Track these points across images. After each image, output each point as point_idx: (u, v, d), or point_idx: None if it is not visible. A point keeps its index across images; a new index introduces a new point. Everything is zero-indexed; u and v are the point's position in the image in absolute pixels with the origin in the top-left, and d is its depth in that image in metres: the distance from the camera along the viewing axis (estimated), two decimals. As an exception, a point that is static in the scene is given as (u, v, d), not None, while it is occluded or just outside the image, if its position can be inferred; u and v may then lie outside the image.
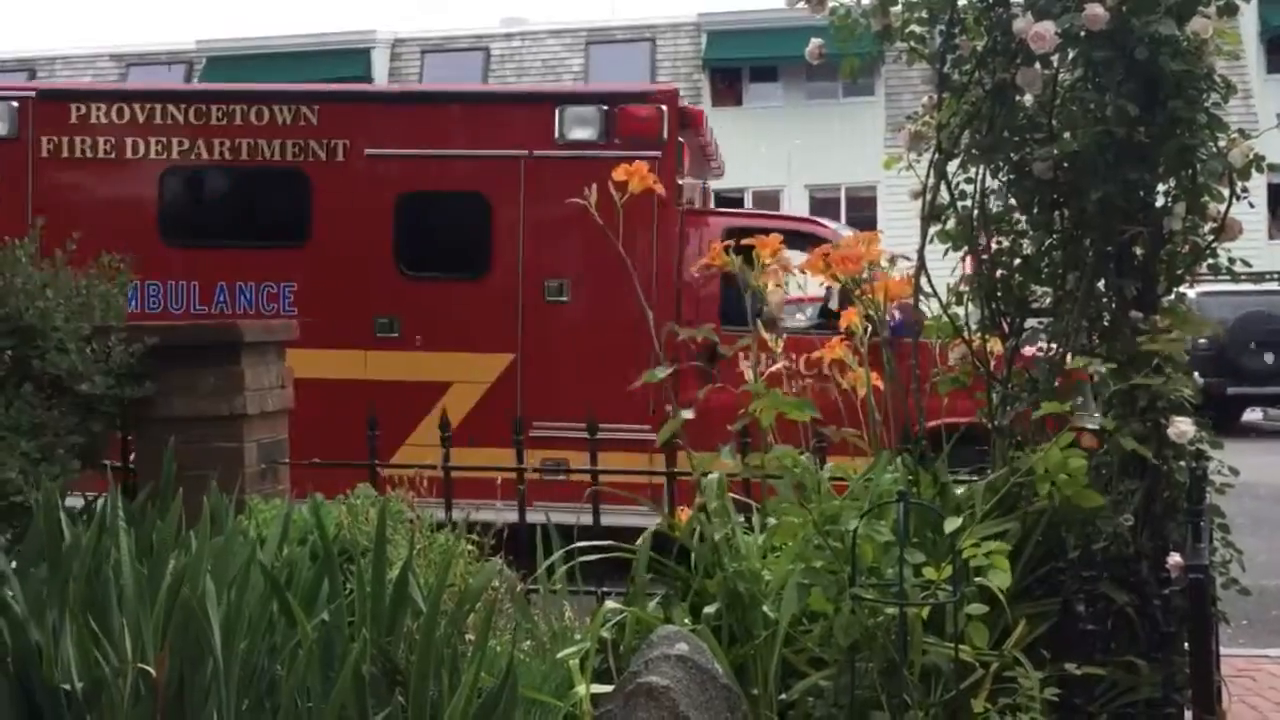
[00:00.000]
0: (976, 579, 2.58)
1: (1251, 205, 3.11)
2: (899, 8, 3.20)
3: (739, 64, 25.15)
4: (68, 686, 2.51)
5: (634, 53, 25.84)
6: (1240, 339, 14.36)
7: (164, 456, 3.31)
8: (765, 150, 23.64)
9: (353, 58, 26.07)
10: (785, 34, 21.47)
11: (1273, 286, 15.67)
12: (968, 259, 3.44)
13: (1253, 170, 3.02)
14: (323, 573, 2.83)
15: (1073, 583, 2.83)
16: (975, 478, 3.15)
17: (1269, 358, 14.82)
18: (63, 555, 2.70)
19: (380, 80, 26.09)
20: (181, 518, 2.95)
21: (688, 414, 3.20)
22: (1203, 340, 12.44)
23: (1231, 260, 3.12)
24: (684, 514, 3.25)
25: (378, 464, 4.07)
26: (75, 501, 3.50)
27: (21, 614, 2.58)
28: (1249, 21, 21.49)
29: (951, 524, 2.69)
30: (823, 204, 24.97)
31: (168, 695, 2.51)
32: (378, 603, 2.71)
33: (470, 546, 3.50)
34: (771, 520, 3.04)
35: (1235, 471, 3.09)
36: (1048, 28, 2.83)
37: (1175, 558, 2.82)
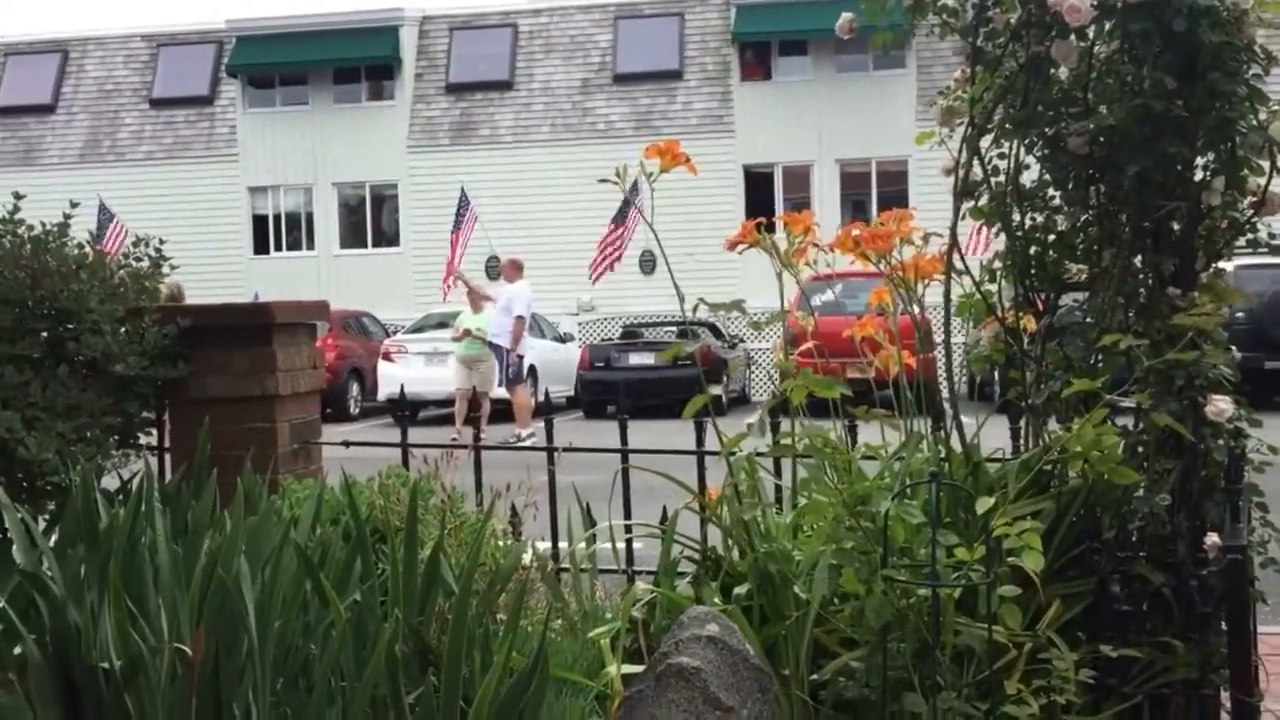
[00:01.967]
0: (1010, 559, 2.56)
1: (1295, 179, 3.05)
2: (931, -20, 3.15)
3: (768, 38, 24.95)
4: (106, 665, 2.54)
5: (663, 28, 25.69)
6: (1278, 312, 14.16)
7: (198, 437, 3.34)
8: (795, 125, 23.51)
9: (381, 36, 26.09)
10: (815, 7, 21.30)
11: (1312, 259, 15.41)
12: (983, 231, 3.40)
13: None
14: (355, 553, 2.85)
15: (1108, 563, 2.81)
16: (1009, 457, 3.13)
17: (1307, 332, 14.60)
18: (100, 536, 2.73)
19: (408, 59, 26.11)
20: (216, 498, 2.98)
21: (716, 389, 3.18)
22: (1240, 314, 12.30)
23: (1272, 235, 3.07)
24: (714, 493, 3.24)
25: (409, 444, 4.10)
26: (110, 482, 3.54)
27: (60, 595, 2.61)
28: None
29: (984, 504, 2.67)
30: (853, 178, 24.81)
31: (203, 674, 2.54)
32: (410, 583, 2.73)
33: (502, 525, 3.52)
34: (802, 500, 3.03)
35: (1275, 450, 3.05)
36: (1083, 0, 2.78)
37: (1213, 538, 2.79)
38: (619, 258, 20.98)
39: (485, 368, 14.34)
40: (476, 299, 14.91)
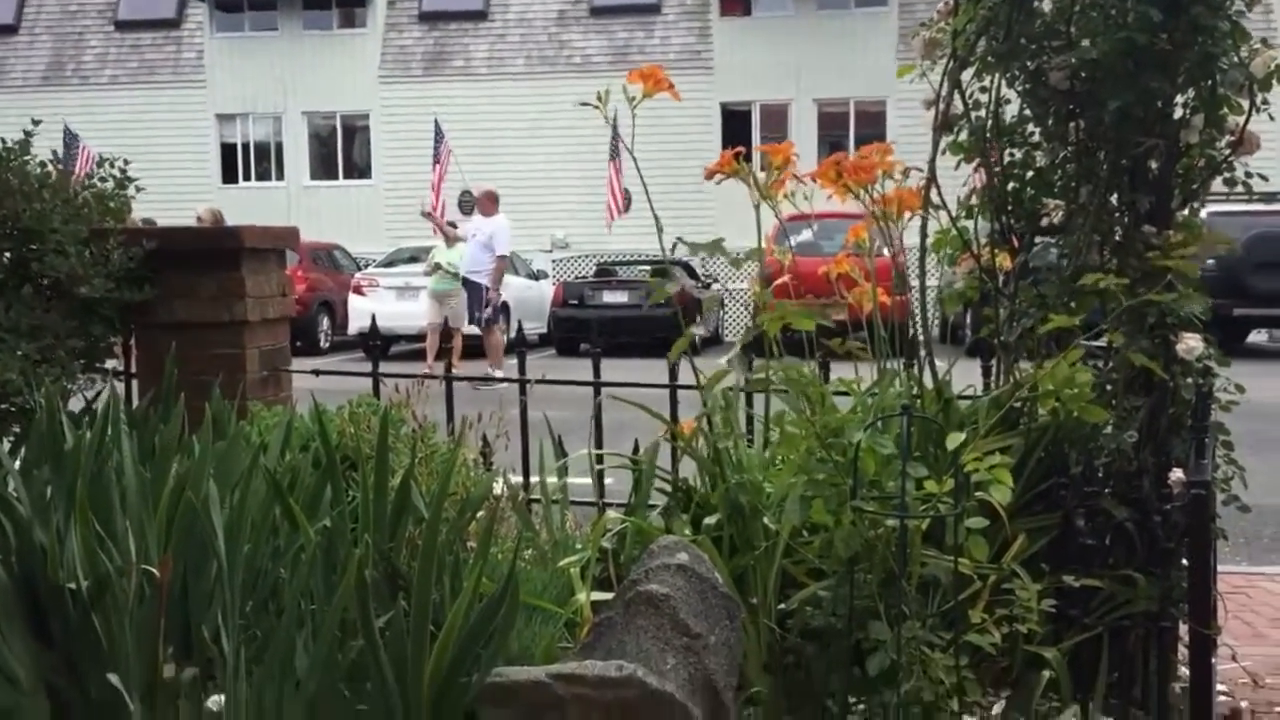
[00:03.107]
0: (978, 493, 2.58)
1: (1271, 117, 3.04)
2: (916, -92, 3.10)
3: (748, -28, 24.62)
4: (72, 586, 2.53)
5: (641, -41, 25.28)
6: (1248, 260, 14.28)
7: (165, 361, 3.30)
8: (773, 61, 23.31)
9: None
10: (796, -59, 21.01)
11: (1282, 207, 15.54)
12: (979, 171, 3.38)
13: (1273, 82, 2.95)
14: (325, 479, 2.84)
15: (1074, 498, 2.83)
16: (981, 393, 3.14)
17: (1276, 279, 14.77)
18: (65, 457, 2.71)
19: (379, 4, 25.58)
20: (184, 422, 2.95)
21: (698, 330, 3.17)
22: (1210, 261, 12.39)
23: (1249, 175, 3.07)
24: (688, 426, 3.24)
25: (380, 374, 4.07)
26: (77, 405, 3.50)
27: (26, 515, 2.59)
28: (1272, -66, 20.98)
29: (954, 439, 2.68)
30: (831, 119, 24.67)
31: (172, 596, 2.53)
32: (380, 509, 2.72)
33: (474, 456, 3.52)
34: (775, 434, 3.04)
35: (1241, 389, 3.08)
36: (1070, -70, 2.74)
37: (1177, 473, 2.82)
38: (622, 193, 20.77)
39: (456, 302, 14.13)
40: (449, 234, 14.72)
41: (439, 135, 21.24)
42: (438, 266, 14.27)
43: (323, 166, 26.02)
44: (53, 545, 2.54)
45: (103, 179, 3.77)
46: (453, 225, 15.34)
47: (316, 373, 4.26)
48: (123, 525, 2.60)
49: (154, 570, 2.50)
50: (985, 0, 3.09)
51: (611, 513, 3.11)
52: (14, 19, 26.27)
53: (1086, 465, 2.92)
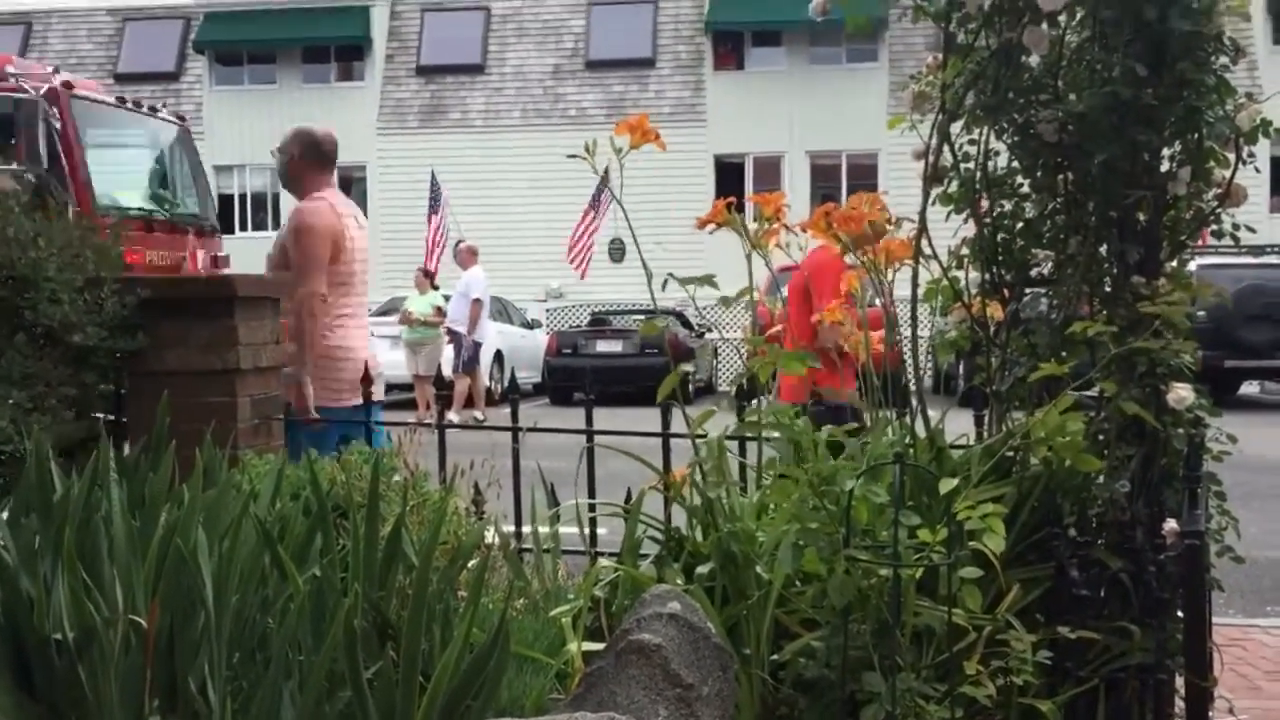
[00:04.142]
0: (971, 543, 2.57)
1: (1257, 170, 3.07)
2: (905, -36, 3.15)
3: (741, 27, 24.97)
4: (59, 637, 2.50)
5: (636, 15, 25.65)
6: (1238, 312, 14.36)
7: (157, 410, 3.29)
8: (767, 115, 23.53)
9: (352, 15, 25.89)
10: (789, -3, 21.31)
11: (1272, 260, 15.66)
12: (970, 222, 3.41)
13: (1259, 135, 2.99)
14: (315, 528, 2.82)
15: (1067, 548, 2.83)
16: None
17: (1267, 331, 14.84)
18: (54, 506, 2.69)
19: (379, 40, 25.91)
20: (174, 471, 2.94)
21: (687, 367, 3.18)
22: (1201, 313, 12.47)
23: (1236, 227, 3.09)
24: (679, 474, 3.24)
25: (372, 422, 4.06)
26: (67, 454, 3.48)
27: (13, 563, 2.57)
28: (1257, -8, 21.33)
29: (946, 485, 2.68)
30: (824, 171, 24.88)
31: (159, 646, 2.50)
32: (370, 558, 2.71)
33: (465, 505, 3.50)
34: (767, 480, 3.03)
35: (1233, 439, 3.08)
36: (1056, -15, 2.78)
37: (1171, 524, 2.82)
38: (592, 245, 20.94)
39: (430, 350, 14.52)
40: (422, 282, 15.23)
41: (435, 186, 21.37)
42: (408, 315, 14.69)
43: (319, 217, 26.13)
44: (39, 595, 2.51)
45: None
46: (427, 274, 15.75)
47: (308, 421, 4.25)
48: (110, 574, 2.58)
49: (141, 620, 2.48)
50: (973, 55, 3.13)
51: (603, 561, 3.09)
52: (14, 71, 26.52)
53: (1080, 515, 2.91)
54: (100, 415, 3.80)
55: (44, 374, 3.42)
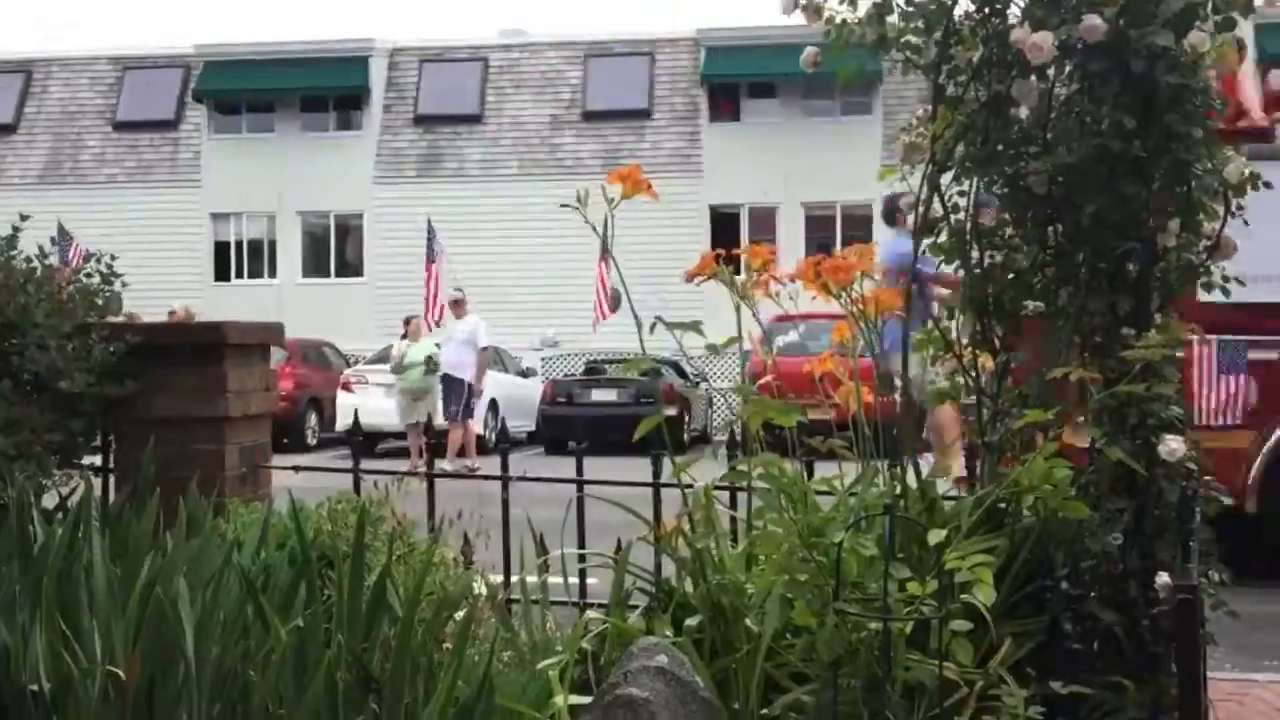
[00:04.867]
0: (962, 595, 2.54)
1: (1246, 223, 3.08)
2: (894, 18, 3.18)
3: (736, 79, 25.20)
4: (35, 688, 2.46)
5: (633, 67, 25.89)
6: (1232, 363, 14.35)
7: (142, 457, 3.27)
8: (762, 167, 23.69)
9: (351, 66, 26.10)
10: (783, 50, 21.47)
11: (1265, 312, 15.66)
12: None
13: (1247, 188, 3.00)
14: (300, 578, 2.79)
15: (1060, 601, 2.80)
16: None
17: (1259, 382, 14.80)
18: (34, 555, 2.66)
19: (377, 90, 26.12)
20: (159, 520, 2.91)
21: (670, 410, 3.16)
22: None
23: (1225, 279, 3.10)
24: (668, 524, 3.21)
25: (361, 470, 4.03)
26: (51, 501, 3.46)
27: (-10, 613, 2.54)
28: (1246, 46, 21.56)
29: (935, 536, 2.66)
30: (818, 222, 25.01)
31: (138, 698, 2.46)
32: (354, 609, 2.67)
33: (453, 555, 3.47)
34: (756, 530, 3.00)
35: (1226, 491, 3.06)
36: (1045, 38, 2.80)
37: (1164, 577, 2.79)
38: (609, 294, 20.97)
39: (429, 399, 14.41)
40: (416, 330, 15.16)
41: (432, 235, 21.45)
42: (404, 366, 14.55)
43: (315, 264, 26.20)
44: (16, 645, 2.48)
45: (89, 274, 3.78)
46: (418, 320, 15.75)
47: (296, 469, 4.22)
48: (90, 625, 2.55)
49: (119, 672, 2.44)
50: (963, 106, 3.15)
51: (592, 613, 3.05)
52: (13, 119, 26.66)
53: (1072, 568, 2.89)
54: (86, 462, 3.77)
55: (30, 420, 3.40)
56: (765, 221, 24.82)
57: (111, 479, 3.94)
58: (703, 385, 19.97)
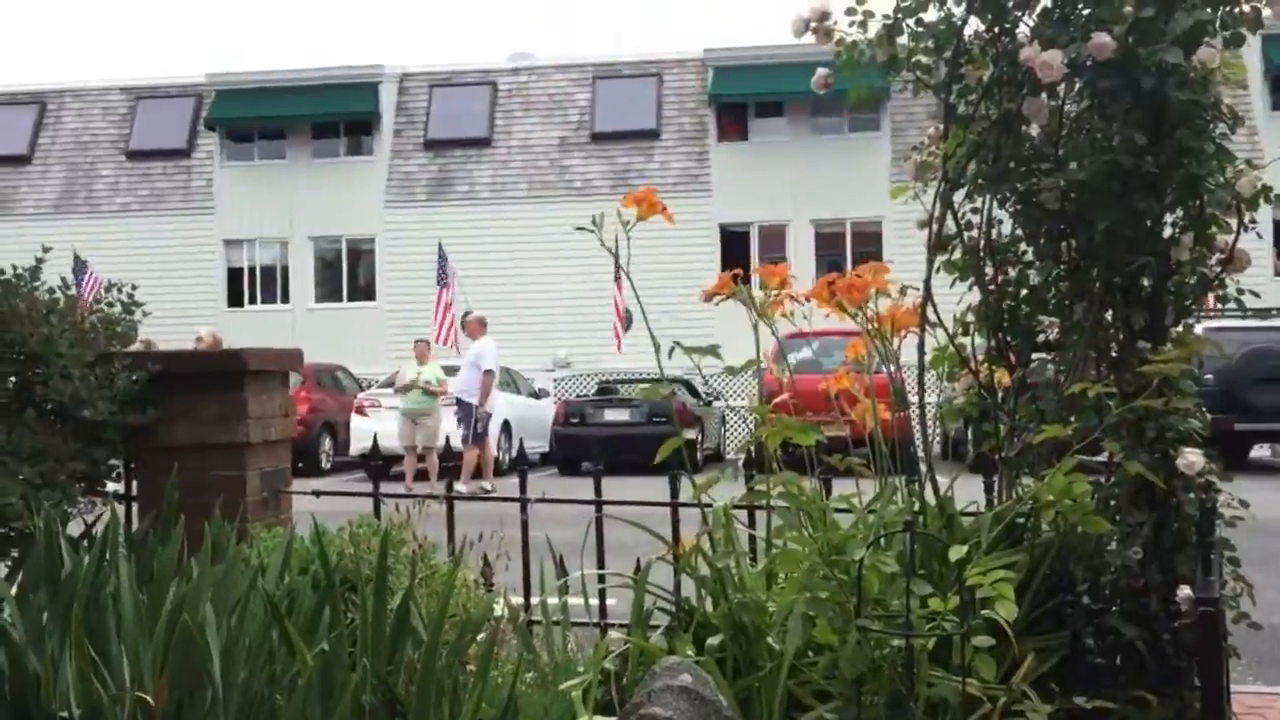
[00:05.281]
0: (984, 611, 2.55)
1: (1259, 235, 3.09)
2: (904, 38, 3.21)
3: (745, 99, 25.29)
4: (65, 715, 2.48)
5: (641, 88, 26.00)
6: (1247, 374, 14.33)
7: (166, 483, 3.29)
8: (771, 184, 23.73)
9: (361, 91, 26.27)
10: (790, 69, 21.59)
11: (1279, 322, 15.64)
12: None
13: (1260, 201, 3.02)
14: (324, 601, 2.81)
15: (1081, 616, 2.80)
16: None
17: (1276, 394, 14.78)
18: (62, 582, 2.69)
19: (387, 115, 26.28)
20: (183, 545, 2.93)
21: (689, 434, 3.18)
22: (1209, 376, 12.45)
23: (1240, 292, 3.11)
24: (688, 544, 3.22)
25: (381, 494, 4.06)
26: (76, 529, 3.48)
27: (20, 641, 2.56)
28: (1253, 58, 21.61)
29: (956, 552, 2.67)
30: (828, 239, 25.04)
31: (165, 724, 2.48)
32: (378, 632, 2.69)
33: (474, 577, 3.48)
34: (776, 549, 3.01)
35: (1245, 504, 3.06)
36: (1055, 56, 2.83)
37: (1185, 591, 2.79)
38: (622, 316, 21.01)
39: (431, 422, 14.35)
40: (423, 352, 15.11)
41: (443, 258, 21.53)
42: (410, 386, 14.49)
43: (327, 289, 26.33)
44: (47, 672, 2.50)
45: (110, 304, 3.82)
46: (425, 343, 15.70)
47: (317, 494, 4.24)
48: (118, 651, 2.57)
49: (148, 698, 2.46)
50: (974, 124, 3.18)
51: (613, 634, 3.06)
52: (27, 149, 26.89)
53: (1093, 582, 2.89)
54: (110, 490, 3.80)
55: (54, 450, 3.43)
56: (775, 239, 24.86)
57: (134, 506, 3.97)
58: (716, 403, 19.96)
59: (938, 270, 3.32)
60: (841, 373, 3.56)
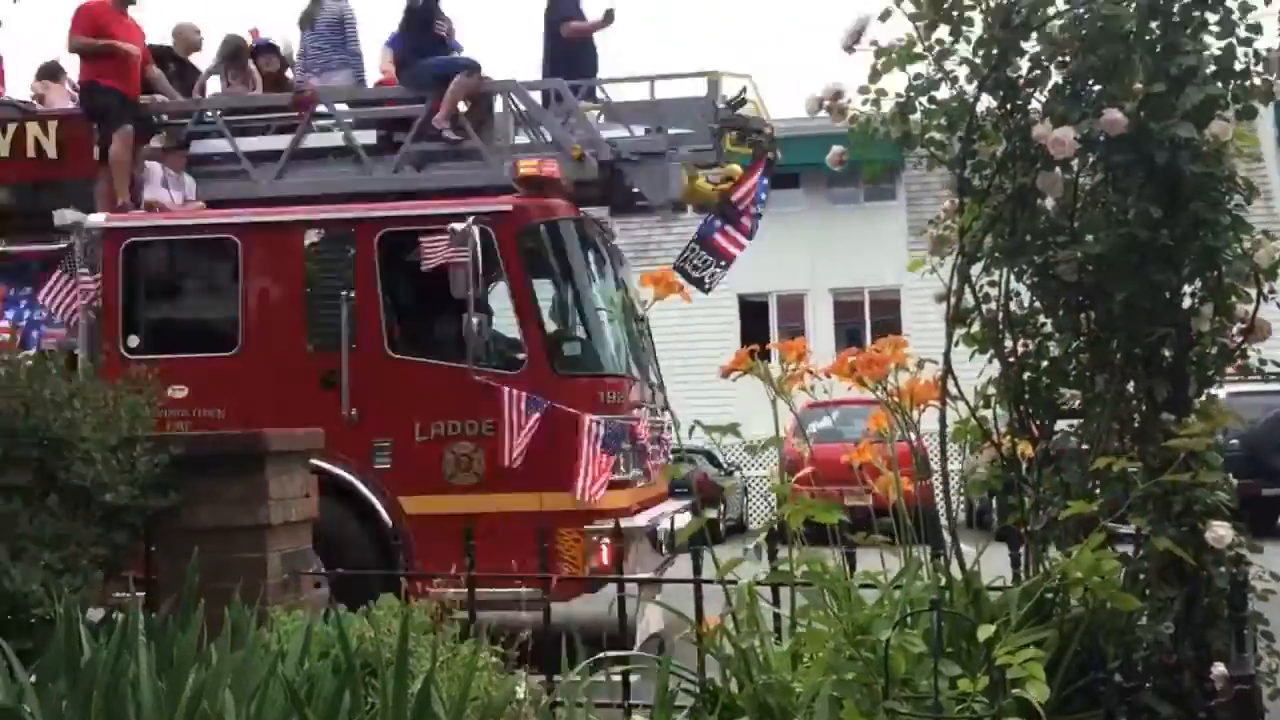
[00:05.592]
0: (1014, 691, 2.50)
1: (1279, 305, 3.08)
2: (918, 115, 3.24)
3: (761, 171, 25.38)
4: (82, 806, 2.45)
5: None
6: (1273, 439, 14.16)
7: (186, 567, 3.29)
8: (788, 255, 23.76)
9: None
10: (806, 141, 21.69)
11: (1304, 386, 15.49)
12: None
13: (1278, 271, 3.01)
14: (344, 686, 2.78)
15: (1114, 694, 2.74)
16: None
17: (1303, 458, 14.57)
18: (82, 670, 2.67)
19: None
20: (203, 630, 2.92)
21: (711, 514, 3.16)
22: (1234, 441, 12.33)
23: (1262, 361, 3.09)
24: (711, 622, 3.18)
25: (402, 573, 4.04)
26: (96, 612, 3.48)
27: (39, 731, 2.54)
28: (1267, 129, 21.68)
29: (985, 631, 2.62)
30: (847, 307, 25.06)
31: (184, 815, 2.45)
32: (399, 717, 2.66)
33: (494, 658, 3.45)
34: (801, 629, 2.97)
35: (1278, 577, 3.01)
36: (1067, 134, 2.85)
37: (1219, 668, 2.73)
38: None
39: None
40: None
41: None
42: None
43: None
44: (65, 763, 2.48)
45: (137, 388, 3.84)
46: None
47: (339, 574, 4.23)
48: (137, 740, 2.55)
49: (167, 788, 2.43)
50: (989, 199, 3.19)
51: (637, 715, 3.02)
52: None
53: (1125, 659, 2.84)
54: (129, 574, 3.80)
55: (75, 534, 3.44)
56: (794, 309, 24.88)
57: (154, 588, 3.96)
58: (737, 474, 19.85)
59: (957, 343, 3.31)
60: (864, 445, 3.53)
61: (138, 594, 3.56)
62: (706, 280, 7.10)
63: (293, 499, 4.03)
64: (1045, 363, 3.27)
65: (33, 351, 3.82)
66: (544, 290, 6.42)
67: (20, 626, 3.37)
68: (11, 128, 7.14)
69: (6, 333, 5.78)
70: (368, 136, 7.27)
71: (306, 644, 3.08)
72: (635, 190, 7.26)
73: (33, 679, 2.71)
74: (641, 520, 6.07)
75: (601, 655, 3.37)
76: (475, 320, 5.83)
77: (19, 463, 3.48)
